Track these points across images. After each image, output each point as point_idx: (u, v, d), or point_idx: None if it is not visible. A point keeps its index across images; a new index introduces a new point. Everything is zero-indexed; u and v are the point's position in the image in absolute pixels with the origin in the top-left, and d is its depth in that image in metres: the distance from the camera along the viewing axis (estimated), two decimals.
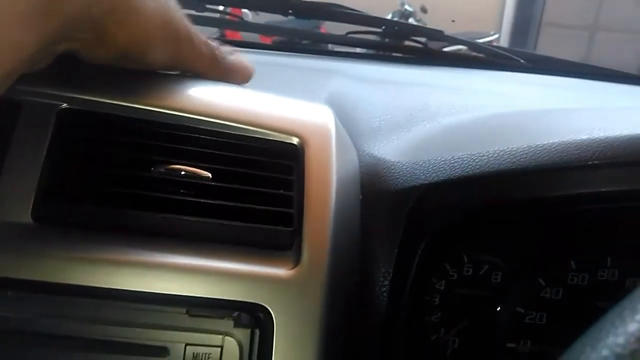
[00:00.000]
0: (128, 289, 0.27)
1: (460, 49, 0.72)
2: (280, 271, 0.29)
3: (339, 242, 0.30)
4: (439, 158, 0.34)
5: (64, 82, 0.29)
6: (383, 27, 0.62)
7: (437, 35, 0.62)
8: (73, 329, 0.27)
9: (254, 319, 0.28)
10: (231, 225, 0.29)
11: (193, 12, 0.65)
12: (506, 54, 0.65)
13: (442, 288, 0.43)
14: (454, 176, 0.32)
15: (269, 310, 0.27)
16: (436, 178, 0.33)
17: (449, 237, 0.41)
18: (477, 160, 0.32)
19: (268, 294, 0.27)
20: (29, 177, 0.27)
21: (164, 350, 0.28)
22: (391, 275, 0.36)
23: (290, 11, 0.60)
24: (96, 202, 0.28)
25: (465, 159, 0.32)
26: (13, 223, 0.27)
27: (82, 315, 0.27)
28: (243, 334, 0.28)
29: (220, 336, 0.28)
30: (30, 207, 0.27)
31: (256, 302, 0.27)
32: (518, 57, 0.64)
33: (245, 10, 1.69)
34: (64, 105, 0.29)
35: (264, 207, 0.29)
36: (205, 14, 0.65)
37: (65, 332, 0.27)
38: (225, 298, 0.27)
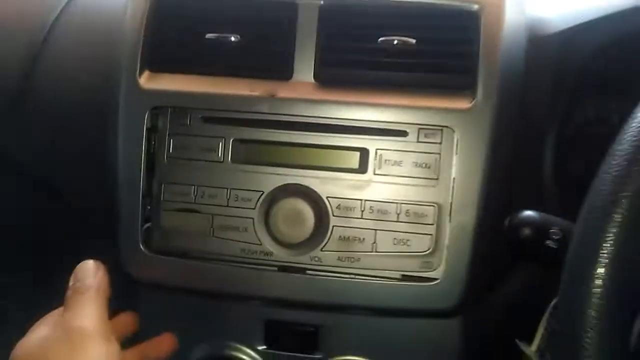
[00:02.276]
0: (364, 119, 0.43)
1: None
2: (464, 104, 0.42)
3: (506, 84, 0.42)
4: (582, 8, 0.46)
5: None
6: None
7: None
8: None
9: None
10: (428, 75, 0.43)
11: None
12: None
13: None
14: (588, 18, 0.44)
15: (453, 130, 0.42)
16: (577, 22, 0.46)
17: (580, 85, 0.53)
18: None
19: (454, 119, 0.42)
20: None
21: (404, 133, 0.44)
22: (547, 110, 0.49)
23: None
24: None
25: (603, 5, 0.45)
26: None
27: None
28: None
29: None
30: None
31: (445, 124, 0.42)
32: None
33: None
34: None
35: (452, 63, 0.43)
36: None
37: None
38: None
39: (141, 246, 0.45)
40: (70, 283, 0.38)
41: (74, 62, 0.52)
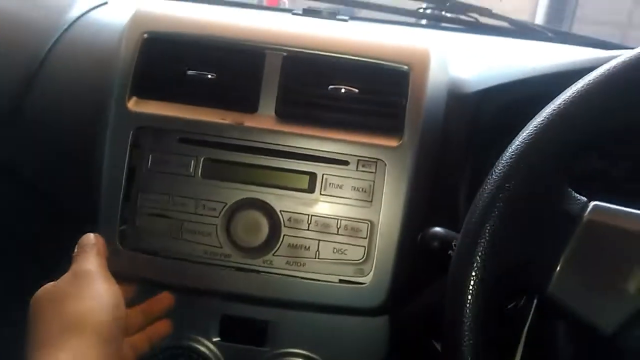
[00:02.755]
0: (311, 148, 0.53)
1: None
2: (393, 142, 0.53)
3: (427, 128, 0.53)
4: (493, 73, 0.59)
5: None
6: (447, 4, 0.86)
7: (486, 12, 0.86)
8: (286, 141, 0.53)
9: None
10: (366, 117, 0.54)
11: None
12: (537, 27, 0.88)
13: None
14: (498, 82, 0.57)
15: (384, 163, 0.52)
16: (489, 84, 0.58)
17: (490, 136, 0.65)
18: (520, 68, 0.57)
19: (385, 153, 0.52)
20: None
21: (346, 162, 0.54)
22: (462, 150, 0.60)
23: None
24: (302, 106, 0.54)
25: (512, 67, 0.57)
26: None
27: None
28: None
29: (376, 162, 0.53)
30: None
31: (378, 158, 0.52)
32: (548, 31, 0.87)
33: None
34: None
35: (385, 109, 0.54)
36: None
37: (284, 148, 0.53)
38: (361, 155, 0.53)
39: (118, 244, 0.52)
40: (75, 250, 0.47)
41: (68, 85, 0.60)
